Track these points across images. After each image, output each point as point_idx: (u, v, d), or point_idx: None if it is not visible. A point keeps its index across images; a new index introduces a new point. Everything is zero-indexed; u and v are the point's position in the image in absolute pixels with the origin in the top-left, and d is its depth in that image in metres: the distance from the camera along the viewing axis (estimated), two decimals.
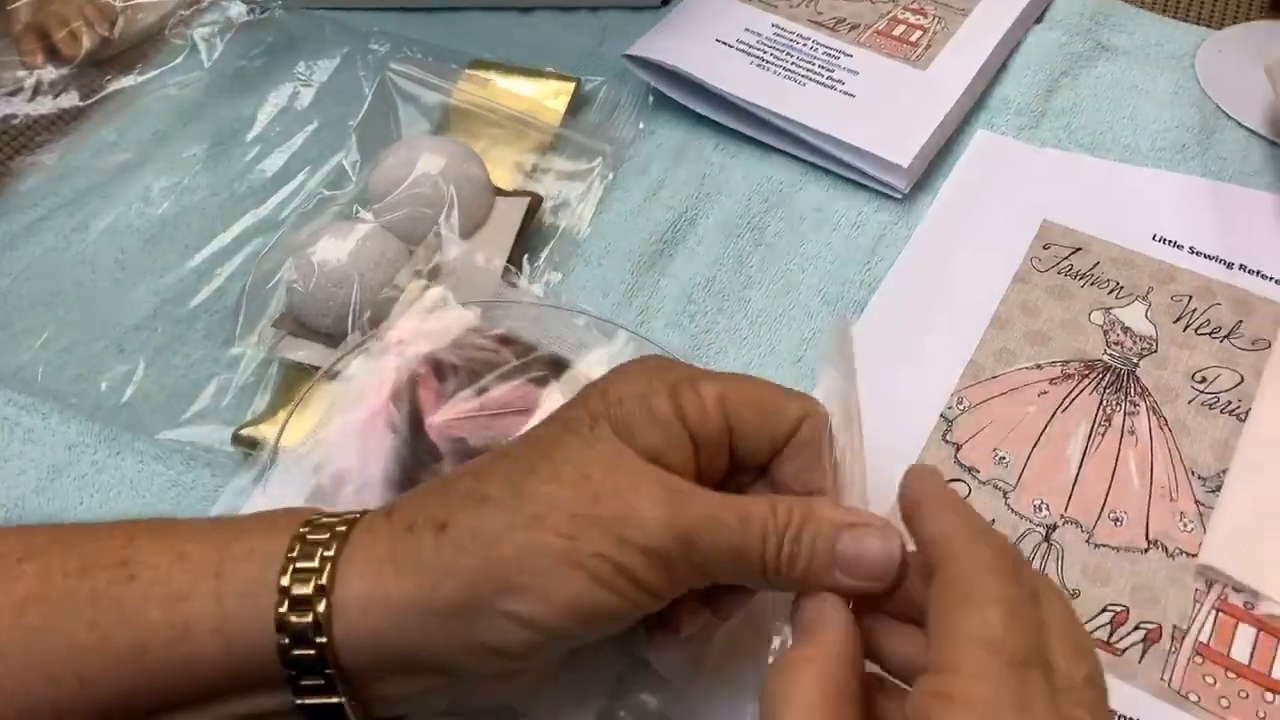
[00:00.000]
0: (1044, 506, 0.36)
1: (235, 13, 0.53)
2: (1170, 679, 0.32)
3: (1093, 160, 0.46)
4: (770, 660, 0.27)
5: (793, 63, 0.48)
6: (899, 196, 0.45)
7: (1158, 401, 0.38)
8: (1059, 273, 0.42)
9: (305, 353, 0.39)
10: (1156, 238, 0.43)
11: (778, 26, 0.50)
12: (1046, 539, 0.35)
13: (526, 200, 0.43)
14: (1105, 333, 0.40)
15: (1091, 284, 0.42)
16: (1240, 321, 0.40)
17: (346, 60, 0.51)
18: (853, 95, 0.47)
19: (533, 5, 0.54)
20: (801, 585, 0.25)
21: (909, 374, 0.39)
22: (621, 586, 0.24)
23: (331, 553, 0.25)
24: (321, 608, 0.24)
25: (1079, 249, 0.43)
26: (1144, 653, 0.32)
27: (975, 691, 0.21)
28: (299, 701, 0.25)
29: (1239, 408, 0.38)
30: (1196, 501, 0.35)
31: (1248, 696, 0.31)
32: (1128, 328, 0.40)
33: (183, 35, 0.52)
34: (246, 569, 0.25)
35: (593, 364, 0.35)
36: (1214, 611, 0.33)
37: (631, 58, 0.48)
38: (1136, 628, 0.33)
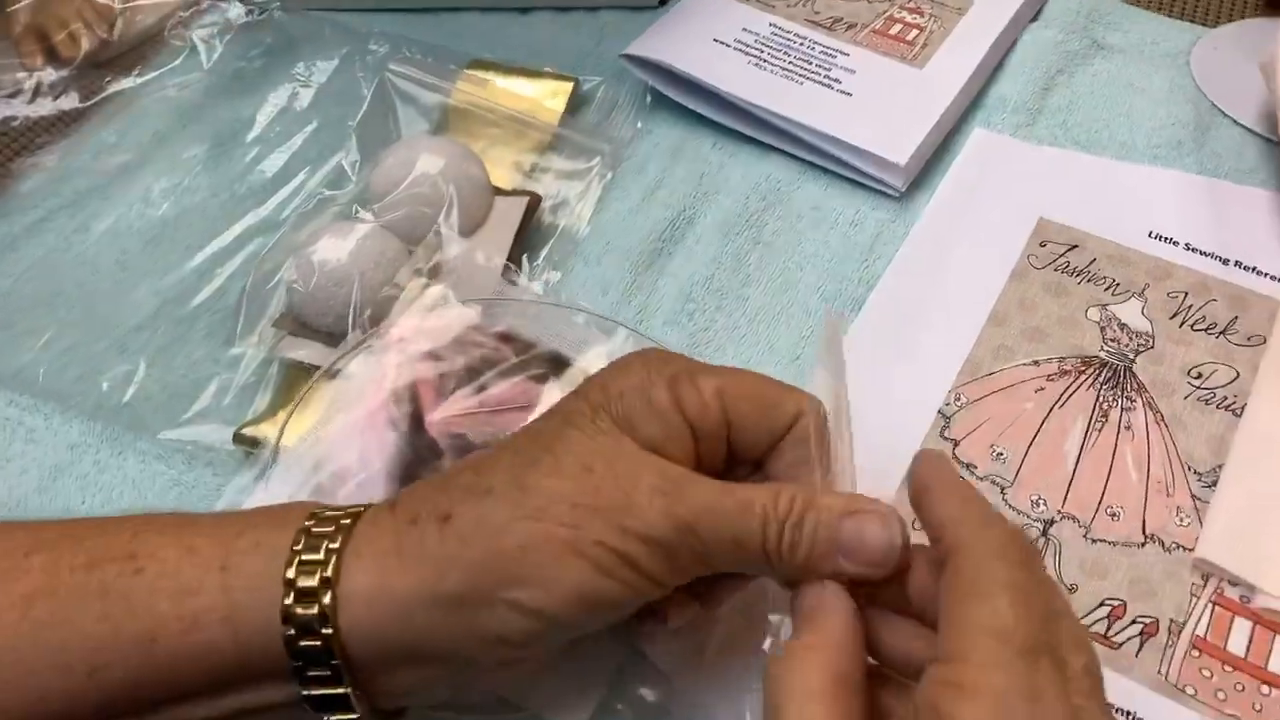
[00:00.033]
0: (1041, 502, 0.36)
1: (234, 14, 0.53)
2: (1167, 672, 0.32)
3: (1089, 158, 0.47)
4: (767, 651, 0.27)
5: (790, 62, 0.49)
6: (896, 195, 0.45)
7: (1154, 397, 0.38)
8: (1056, 270, 0.42)
9: (306, 352, 0.39)
10: (1153, 234, 0.43)
11: (775, 26, 0.51)
12: (1044, 534, 0.35)
13: (525, 199, 0.44)
14: (1102, 329, 0.40)
15: (1088, 281, 0.42)
16: (1236, 317, 0.40)
17: (345, 61, 0.51)
18: (850, 94, 0.47)
19: (531, 6, 0.54)
20: (803, 572, 0.25)
21: (907, 371, 0.39)
22: (624, 575, 0.25)
23: (336, 545, 0.25)
24: (327, 600, 0.24)
25: (1075, 246, 0.43)
26: (1141, 646, 0.32)
27: (986, 681, 0.21)
28: (305, 692, 0.25)
29: (1235, 403, 0.38)
30: (1193, 496, 0.36)
31: (1244, 689, 0.31)
32: (1124, 324, 0.40)
33: (182, 36, 0.52)
34: (253, 562, 0.25)
35: (592, 361, 0.35)
36: (1210, 605, 0.33)
37: (629, 57, 0.49)
38: (1133, 621, 0.33)
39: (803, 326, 0.42)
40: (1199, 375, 0.39)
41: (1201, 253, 0.43)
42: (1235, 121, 0.48)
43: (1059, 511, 0.36)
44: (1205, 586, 0.34)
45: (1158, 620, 0.33)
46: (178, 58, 0.52)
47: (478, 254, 0.39)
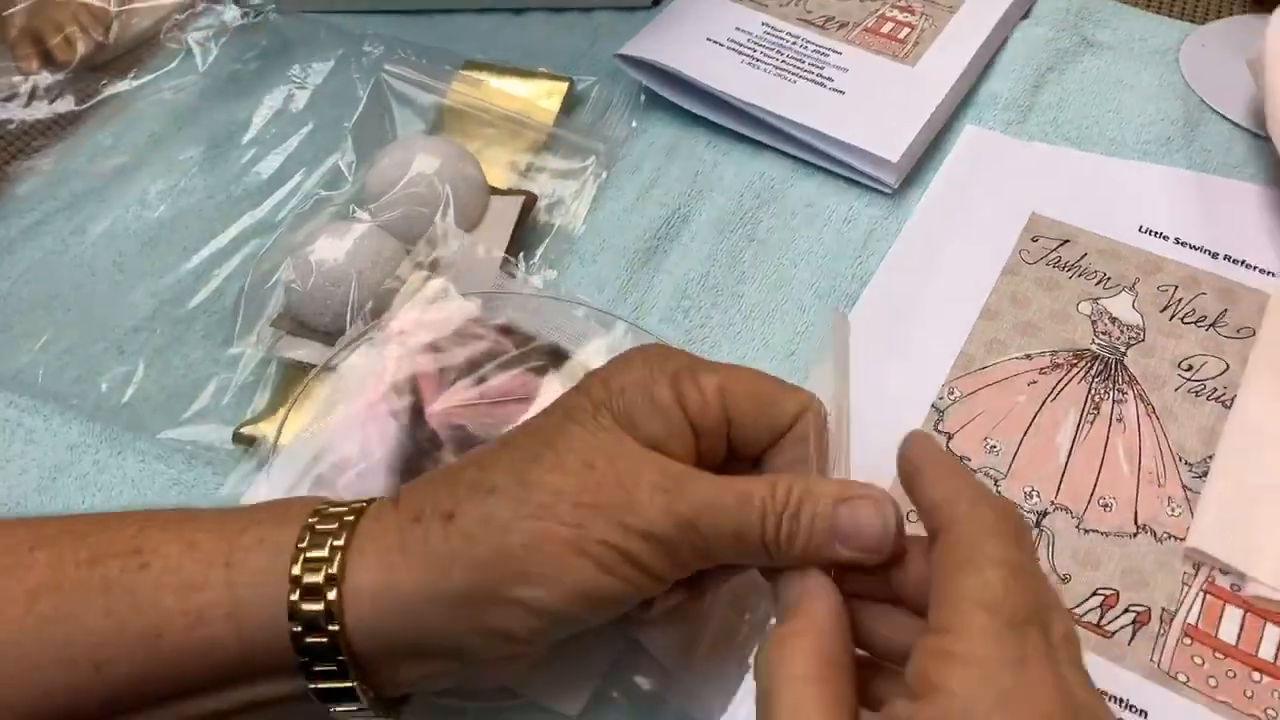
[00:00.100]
0: (1034, 493, 0.36)
1: (229, 17, 0.53)
2: (1159, 660, 0.32)
3: (1079, 154, 0.47)
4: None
5: (783, 61, 0.49)
6: (889, 191, 0.46)
7: (1145, 389, 0.39)
8: (1047, 264, 0.43)
9: (304, 351, 0.39)
10: (1143, 229, 0.44)
11: (768, 25, 0.51)
12: (1037, 525, 0.35)
13: (521, 199, 0.44)
14: (1093, 323, 0.41)
15: (1079, 275, 0.42)
16: (1225, 310, 0.41)
17: (341, 63, 0.51)
18: (842, 92, 0.48)
19: (525, 7, 0.55)
20: (802, 560, 0.26)
21: (900, 365, 0.40)
22: (626, 572, 0.25)
23: (341, 542, 0.25)
24: (333, 596, 0.25)
25: (1067, 241, 0.43)
26: (1133, 635, 0.33)
27: (974, 650, 0.22)
28: (312, 686, 0.25)
29: (1225, 394, 0.38)
30: (1184, 486, 0.36)
31: (1235, 676, 0.32)
32: (1115, 318, 0.41)
33: (177, 39, 0.53)
34: (257, 558, 0.25)
35: (592, 354, 0.35)
36: (1202, 593, 0.34)
37: (623, 57, 0.49)
38: (1126, 610, 0.33)
39: (797, 322, 0.42)
40: (1189, 367, 0.39)
41: (1191, 247, 0.43)
42: (1224, 117, 0.48)
43: (1052, 503, 0.36)
44: (1196, 575, 0.34)
45: (1150, 609, 0.33)
46: (173, 60, 0.52)
47: (479, 247, 0.39)
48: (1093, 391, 0.39)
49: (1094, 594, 0.34)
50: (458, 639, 0.26)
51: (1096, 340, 0.40)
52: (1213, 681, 0.32)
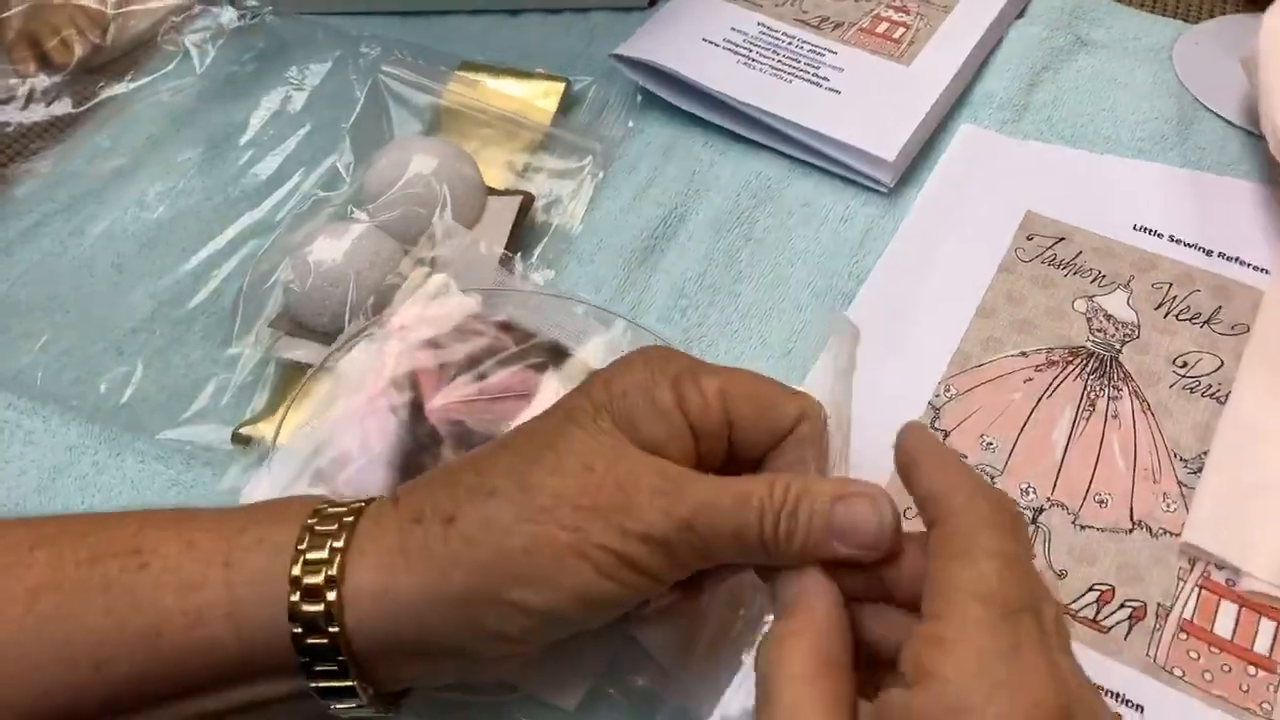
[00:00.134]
0: (1031, 490, 0.36)
1: (227, 19, 0.53)
2: (1155, 655, 0.32)
3: (1074, 152, 0.47)
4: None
5: (779, 61, 0.49)
6: (885, 190, 0.46)
7: (1140, 386, 0.39)
8: (1043, 262, 0.43)
9: (302, 352, 0.39)
10: (1137, 227, 0.44)
11: (763, 25, 0.51)
12: (1034, 521, 0.36)
13: (519, 199, 0.44)
14: (1088, 320, 0.41)
15: (1074, 273, 0.42)
16: (1219, 307, 0.41)
17: (338, 64, 0.51)
18: (838, 92, 0.48)
19: (521, 8, 0.55)
20: (801, 558, 0.26)
21: (897, 363, 0.40)
22: (625, 575, 0.25)
23: (340, 544, 0.26)
24: (332, 597, 0.25)
25: (1062, 239, 0.44)
26: (1129, 630, 0.33)
27: (968, 638, 0.22)
28: (312, 684, 0.25)
29: (1219, 391, 0.38)
30: (1179, 482, 0.36)
31: (1230, 670, 0.32)
32: (1110, 315, 0.41)
33: (175, 42, 0.53)
34: (256, 559, 0.25)
35: (591, 352, 0.36)
36: (1197, 588, 0.34)
37: (619, 58, 0.49)
38: (1122, 605, 0.34)
39: (794, 321, 0.42)
40: (1184, 364, 0.39)
41: (1185, 244, 0.43)
42: (1217, 115, 0.48)
43: (1048, 499, 0.36)
44: (1192, 571, 0.34)
45: (1146, 604, 0.33)
46: (171, 63, 0.52)
47: (480, 244, 0.39)
48: (1088, 388, 0.39)
49: (1090, 589, 0.34)
50: (457, 639, 0.26)
51: (1092, 337, 0.40)
52: (1208, 676, 0.32)
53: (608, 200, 0.46)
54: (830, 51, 0.50)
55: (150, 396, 0.40)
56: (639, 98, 0.50)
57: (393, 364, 0.33)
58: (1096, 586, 0.34)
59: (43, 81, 0.51)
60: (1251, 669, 0.32)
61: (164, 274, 0.44)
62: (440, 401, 0.33)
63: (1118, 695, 0.32)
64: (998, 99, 0.49)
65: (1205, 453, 0.37)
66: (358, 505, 0.27)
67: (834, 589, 0.25)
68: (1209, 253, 0.43)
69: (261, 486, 0.33)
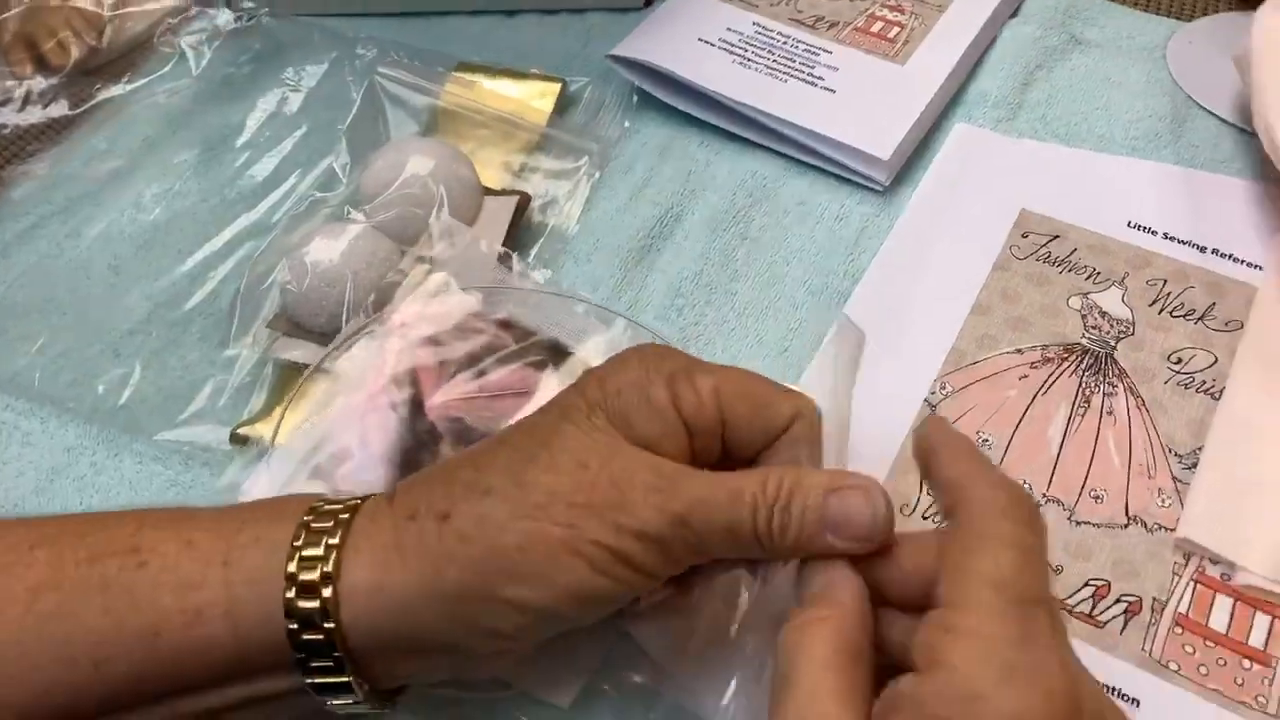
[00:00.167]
0: (1026, 486, 0.37)
1: (223, 20, 0.53)
2: (1151, 649, 0.33)
3: (1068, 150, 0.47)
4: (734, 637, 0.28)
5: (774, 60, 0.49)
6: (880, 189, 0.46)
7: (1135, 382, 0.39)
8: (1037, 260, 0.43)
9: (300, 352, 0.39)
10: (1131, 224, 0.44)
11: (759, 25, 0.51)
12: None
13: (515, 199, 0.44)
14: (1083, 317, 0.41)
15: (1069, 270, 0.43)
16: (1213, 304, 0.41)
17: (334, 65, 0.51)
18: (833, 91, 0.48)
19: (517, 8, 0.55)
20: (795, 552, 0.26)
21: (892, 361, 0.40)
22: (619, 572, 0.25)
23: (336, 540, 0.26)
24: (328, 593, 0.25)
25: (1056, 237, 0.44)
26: (1125, 625, 0.33)
27: (980, 626, 0.22)
28: (308, 681, 0.26)
29: (1213, 387, 0.39)
30: (1174, 478, 0.36)
31: (1225, 664, 0.32)
32: (1105, 312, 0.41)
33: (171, 43, 0.53)
34: (253, 556, 0.26)
35: (591, 350, 0.36)
36: (1192, 583, 0.34)
37: (616, 58, 0.49)
38: (1118, 600, 0.34)
39: (790, 319, 0.42)
40: (1178, 360, 0.40)
41: (1179, 241, 0.43)
42: (1211, 113, 0.49)
43: (1044, 495, 0.36)
44: (1187, 565, 0.34)
45: (1141, 599, 0.34)
46: (167, 64, 0.52)
47: (480, 243, 0.39)
48: (1083, 385, 0.39)
49: (1086, 584, 0.34)
50: (451, 636, 0.26)
51: (1087, 334, 0.41)
52: (1204, 670, 0.32)
53: (604, 200, 0.46)
54: (825, 51, 0.50)
55: (148, 398, 0.40)
56: (635, 98, 0.50)
57: (394, 361, 0.33)
58: (1092, 582, 0.34)
59: (39, 83, 0.51)
60: (1246, 663, 0.32)
61: (161, 276, 0.44)
62: (440, 399, 0.33)
63: (1114, 690, 0.32)
64: (992, 98, 0.50)
65: (1200, 448, 0.37)
66: (353, 503, 0.27)
67: (860, 581, 0.25)
68: (1203, 249, 0.43)
69: (261, 483, 0.33)
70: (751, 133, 0.48)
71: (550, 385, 0.34)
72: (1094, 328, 0.41)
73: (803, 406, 0.28)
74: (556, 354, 0.35)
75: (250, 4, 0.53)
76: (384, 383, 0.33)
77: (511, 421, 0.32)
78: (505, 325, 0.35)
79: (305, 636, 0.25)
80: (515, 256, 0.41)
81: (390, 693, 0.28)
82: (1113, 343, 0.40)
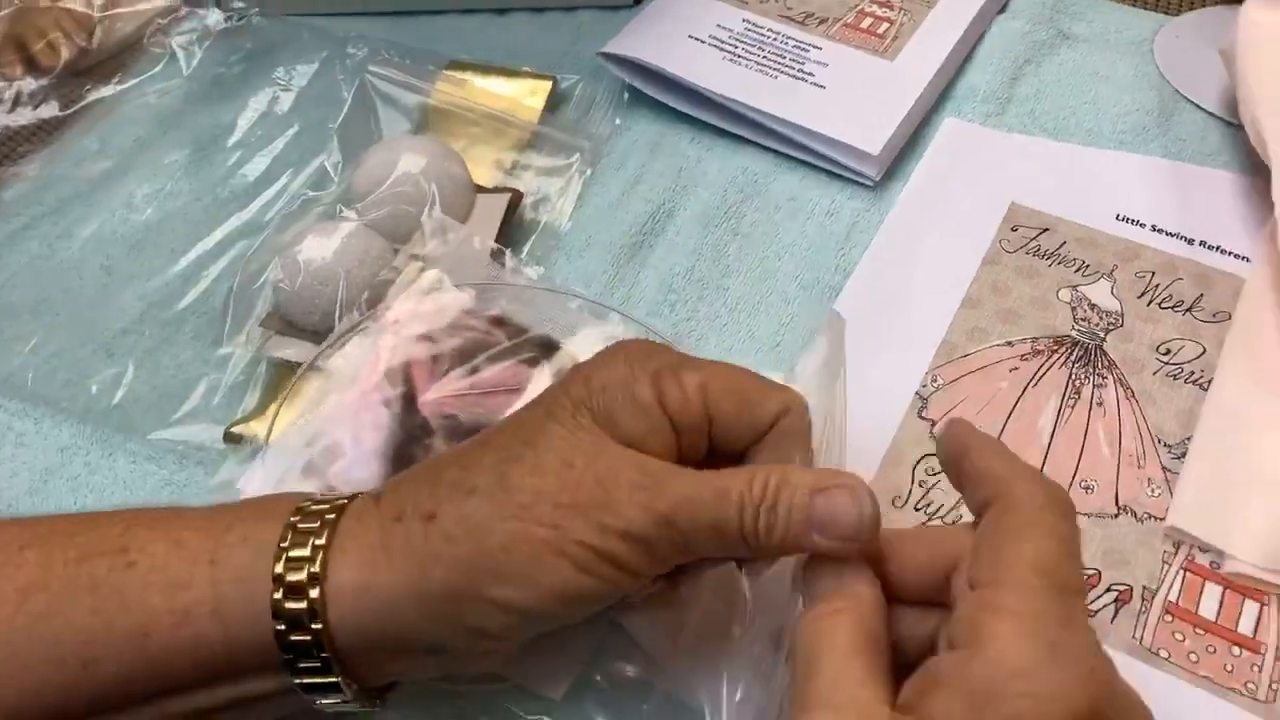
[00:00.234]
0: None
1: (213, 21, 0.53)
2: (1142, 637, 0.33)
3: (1057, 144, 0.48)
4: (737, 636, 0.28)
5: (764, 57, 0.50)
6: (870, 184, 0.46)
7: (1124, 373, 0.39)
8: (1027, 253, 0.43)
9: (293, 350, 0.39)
10: (1120, 217, 0.44)
11: (749, 22, 0.51)
12: None
13: (507, 196, 0.44)
14: (1073, 309, 0.41)
15: (1059, 263, 0.43)
16: (1201, 295, 0.41)
17: (325, 64, 0.51)
18: (823, 87, 0.48)
19: (508, 7, 0.55)
20: (781, 551, 0.26)
21: (884, 355, 0.40)
22: (604, 571, 0.25)
23: (323, 541, 0.26)
24: (315, 594, 0.25)
25: (1046, 230, 0.44)
26: (1116, 613, 0.33)
27: (1026, 605, 0.22)
28: (296, 681, 0.26)
29: (1202, 377, 0.39)
30: (1163, 468, 0.37)
31: (1215, 651, 0.32)
32: (1094, 304, 0.41)
33: (161, 44, 0.53)
34: (240, 556, 0.26)
35: (583, 346, 0.36)
36: (1182, 571, 0.34)
37: (606, 55, 0.49)
38: (1108, 589, 0.34)
39: (782, 314, 0.42)
40: (1167, 351, 0.40)
41: (1168, 233, 0.44)
42: (1198, 106, 0.49)
43: None
44: (1176, 554, 0.35)
45: (1132, 588, 0.34)
46: (157, 65, 0.52)
47: (474, 240, 0.40)
48: (1073, 376, 0.39)
49: None
50: (437, 636, 0.26)
51: (1076, 326, 0.41)
52: (1194, 657, 0.32)
53: (596, 197, 0.47)
54: (815, 47, 0.50)
55: (141, 397, 0.40)
56: (626, 95, 0.50)
57: (387, 358, 0.33)
58: (1083, 571, 0.34)
59: (29, 84, 0.51)
60: (1236, 649, 0.32)
61: (153, 275, 0.44)
62: (433, 395, 0.33)
63: None
64: (981, 92, 0.50)
65: (1189, 438, 0.37)
66: (340, 503, 0.27)
67: (872, 573, 0.25)
68: (1190, 242, 0.43)
69: (255, 480, 0.33)
70: (742, 129, 0.48)
71: (543, 381, 0.34)
72: (1083, 320, 0.41)
73: (790, 401, 0.28)
74: (549, 350, 0.35)
75: (240, 4, 0.54)
76: (377, 379, 0.33)
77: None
78: (498, 322, 0.35)
79: (293, 637, 0.25)
80: (508, 253, 0.41)
81: (379, 691, 0.28)
82: (1102, 334, 0.41)
